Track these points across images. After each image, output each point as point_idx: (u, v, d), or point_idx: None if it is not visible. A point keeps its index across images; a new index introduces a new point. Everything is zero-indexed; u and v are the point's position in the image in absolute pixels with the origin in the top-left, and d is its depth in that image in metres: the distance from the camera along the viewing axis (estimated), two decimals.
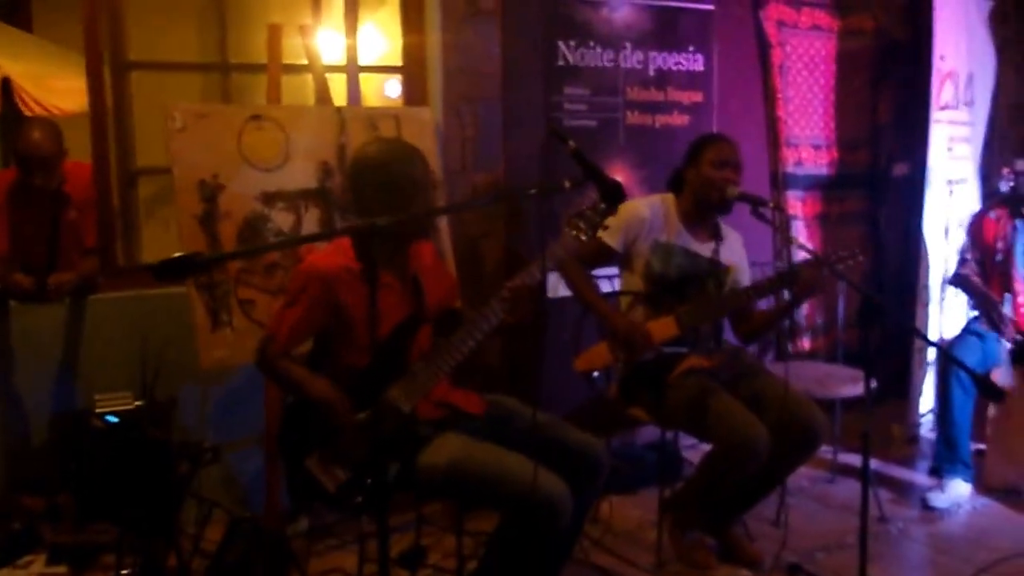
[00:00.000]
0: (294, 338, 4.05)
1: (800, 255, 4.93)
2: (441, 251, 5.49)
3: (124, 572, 4.53)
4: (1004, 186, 6.55)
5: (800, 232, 7.46)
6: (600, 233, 4.84)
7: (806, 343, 7.62)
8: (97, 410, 4.95)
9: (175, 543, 4.69)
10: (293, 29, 5.74)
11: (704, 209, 5.20)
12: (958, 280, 6.50)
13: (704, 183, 5.10)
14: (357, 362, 4.01)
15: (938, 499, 6.02)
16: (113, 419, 4.92)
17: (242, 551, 4.61)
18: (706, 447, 5.05)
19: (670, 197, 5.31)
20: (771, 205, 4.96)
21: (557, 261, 4.27)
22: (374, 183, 4.04)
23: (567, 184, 3.67)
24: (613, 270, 5.44)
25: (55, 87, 8.13)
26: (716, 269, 5.23)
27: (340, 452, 3.93)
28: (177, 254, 2.90)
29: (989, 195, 7.45)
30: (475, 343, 4.01)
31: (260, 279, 5.10)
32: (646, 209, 5.22)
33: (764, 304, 5.47)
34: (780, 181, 7.38)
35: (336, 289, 3.97)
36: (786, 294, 5.13)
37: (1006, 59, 8.07)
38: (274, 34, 5.52)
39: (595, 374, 5.19)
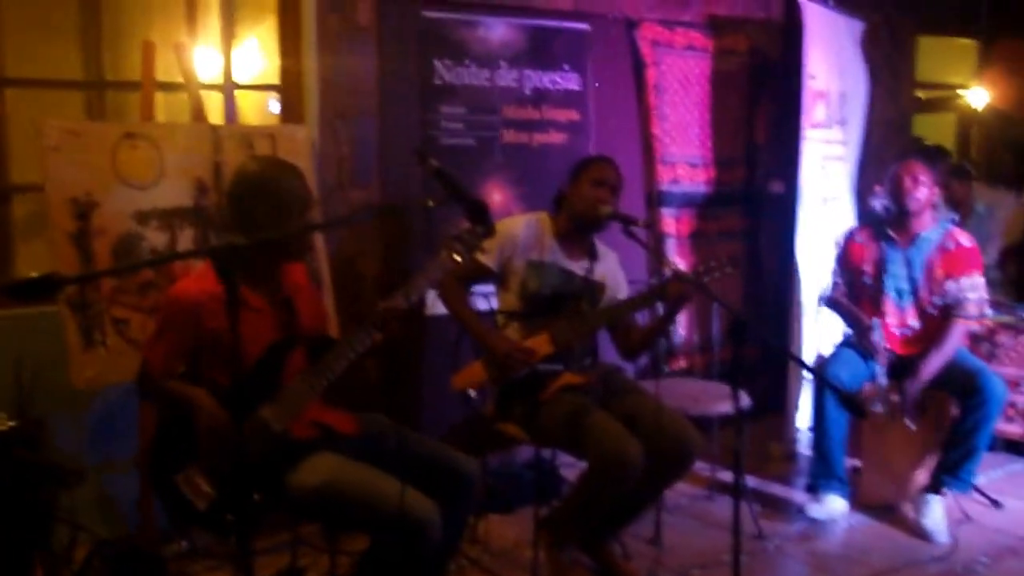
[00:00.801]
0: (168, 365, 4.00)
1: (670, 271, 4.93)
2: (317, 270, 5.48)
3: None
4: (876, 203, 6.66)
5: (674, 250, 7.48)
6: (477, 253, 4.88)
7: (682, 361, 7.63)
8: None
9: (43, 565, 4.59)
10: (169, 47, 5.66)
11: (578, 227, 5.21)
12: (830, 303, 6.53)
13: (580, 201, 5.12)
14: (228, 382, 3.95)
15: (815, 510, 6.05)
16: None
17: (108, 572, 4.54)
18: (584, 465, 5.00)
19: (545, 216, 5.32)
20: (642, 224, 4.98)
21: (434, 281, 4.22)
22: (253, 199, 3.99)
23: (430, 203, 3.74)
24: (490, 288, 5.43)
25: None
26: (590, 287, 5.23)
27: (211, 468, 3.86)
28: (33, 274, 2.83)
29: (863, 213, 7.53)
30: (347, 363, 3.96)
31: (134, 298, 5.02)
32: (521, 227, 5.22)
33: (642, 321, 5.46)
34: (655, 199, 7.41)
35: (201, 316, 3.91)
36: (660, 308, 5.14)
37: (878, 79, 8.18)
38: (148, 51, 5.42)
39: (472, 393, 5.18)
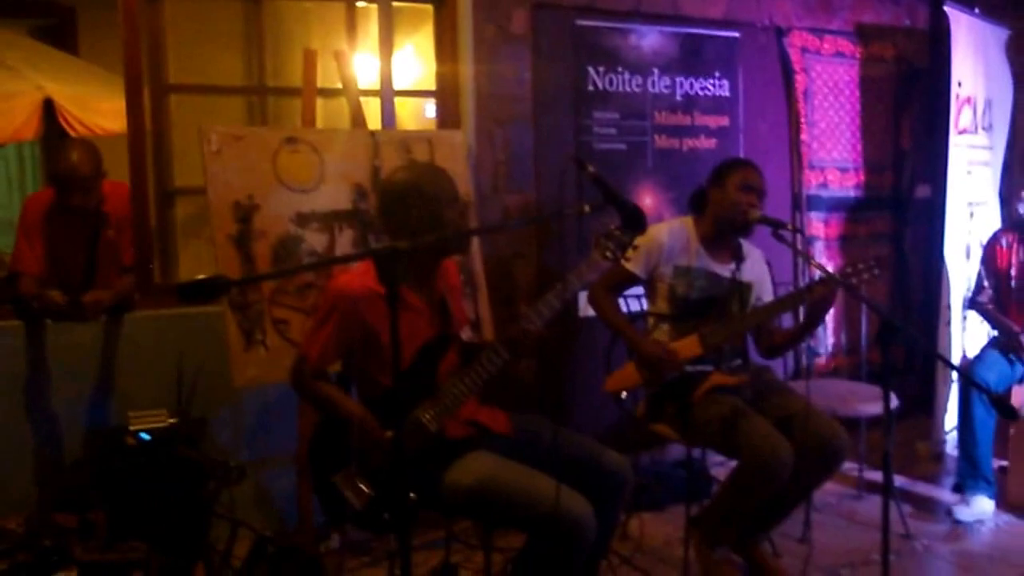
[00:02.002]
0: (325, 358, 3.95)
1: (817, 274, 4.79)
2: (473, 273, 5.45)
3: None
4: (1022, 208, 6.50)
5: (822, 253, 7.41)
6: (624, 261, 4.75)
7: (828, 362, 7.53)
8: (131, 427, 4.84)
9: (204, 560, 4.60)
10: (329, 54, 5.70)
11: (725, 231, 5.11)
12: (975, 306, 6.44)
13: (728, 206, 5.02)
14: (386, 382, 3.93)
15: (963, 512, 5.90)
16: (146, 436, 4.80)
17: (268, 568, 4.51)
18: (733, 464, 4.91)
19: (689, 220, 5.23)
20: (790, 227, 4.85)
21: (585, 281, 4.11)
22: (404, 205, 3.97)
23: (587, 208, 3.64)
24: (640, 289, 5.35)
25: (98, 108, 8.06)
26: (738, 288, 5.11)
27: (367, 469, 3.83)
28: (201, 276, 2.80)
29: (1008, 216, 7.32)
30: (500, 366, 3.91)
31: (293, 299, 4.99)
32: (666, 235, 5.14)
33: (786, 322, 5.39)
34: (802, 203, 7.31)
35: (363, 310, 3.87)
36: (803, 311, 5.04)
37: (1023, 85, 7.95)
38: (309, 58, 5.46)
39: (624, 395, 5.12)
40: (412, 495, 3.64)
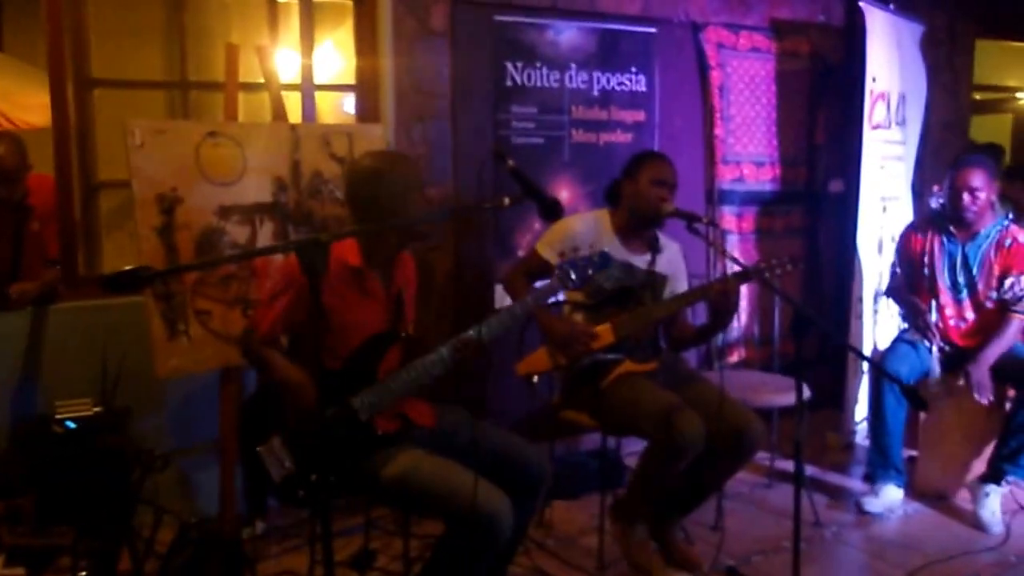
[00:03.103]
0: (274, 329, 4.02)
1: (732, 268, 4.90)
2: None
3: (80, 574, 4.47)
4: (934, 202, 6.65)
5: (736, 247, 7.50)
6: (537, 246, 4.92)
7: (739, 353, 7.64)
8: (57, 415, 4.92)
9: (130, 546, 4.65)
10: (251, 49, 5.70)
11: (639, 223, 5.19)
12: (890, 292, 6.58)
13: (641, 199, 5.10)
14: (328, 365, 3.98)
15: (872, 504, 6.04)
16: (72, 425, 4.89)
17: (192, 553, 4.57)
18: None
19: (605, 213, 5.31)
20: (705, 221, 4.95)
21: (538, 305, 4.37)
22: (370, 189, 4.04)
23: (506, 201, 3.72)
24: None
25: (22, 102, 8.05)
26: (652, 279, 5.22)
27: (291, 445, 3.90)
28: (127, 267, 2.86)
29: (921, 210, 7.49)
30: (431, 378, 4.03)
31: (216, 290, 5.05)
32: (580, 224, 5.21)
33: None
34: (715, 197, 7.41)
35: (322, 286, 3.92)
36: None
37: (937, 81, 8.16)
38: (231, 53, 5.46)
39: (535, 379, 5.21)
40: (327, 477, 3.79)
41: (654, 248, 5.25)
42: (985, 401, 5.89)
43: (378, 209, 4.02)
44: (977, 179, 5.92)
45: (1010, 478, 5.96)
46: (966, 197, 5.94)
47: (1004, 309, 6.01)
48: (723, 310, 4.91)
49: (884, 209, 7.33)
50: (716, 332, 5.25)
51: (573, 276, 4.17)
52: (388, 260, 4.20)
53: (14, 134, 6.34)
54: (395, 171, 4.08)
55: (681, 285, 5.38)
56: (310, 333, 3.97)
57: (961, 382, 6.00)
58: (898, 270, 6.45)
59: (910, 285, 6.34)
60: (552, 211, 3.81)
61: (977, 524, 5.84)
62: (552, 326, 5.05)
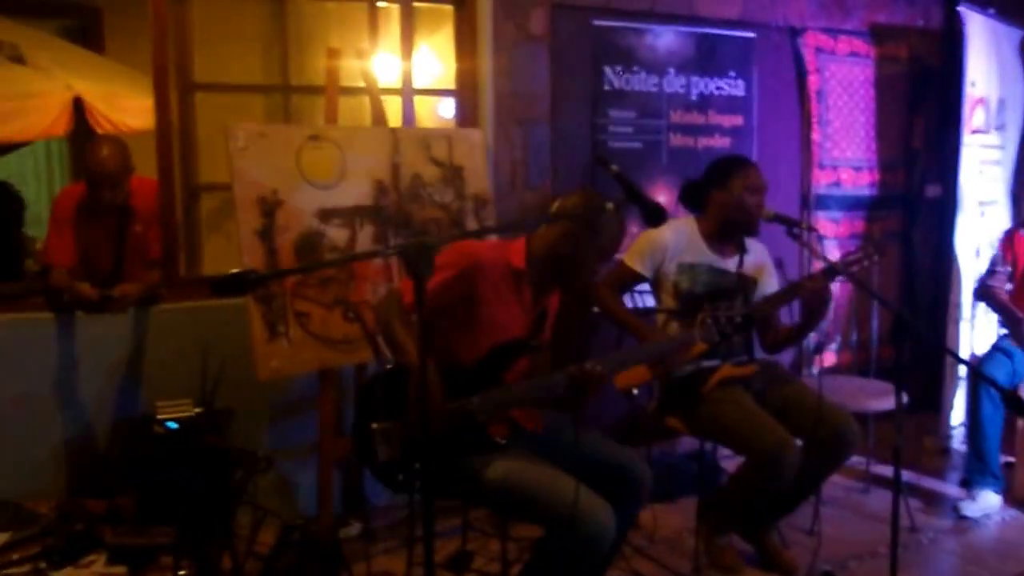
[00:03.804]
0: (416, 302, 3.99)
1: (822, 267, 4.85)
2: None
3: (181, 573, 4.49)
4: None
5: (832, 252, 7.32)
6: (625, 258, 5.00)
7: (837, 357, 7.60)
8: (158, 416, 4.96)
9: (230, 547, 4.68)
10: (351, 53, 5.75)
11: (732, 230, 5.17)
12: (983, 290, 6.48)
13: (736, 208, 5.08)
14: (461, 357, 3.99)
15: (969, 508, 5.97)
16: (173, 425, 4.93)
17: (294, 555, 4.57)
18: (742, 457, 4.99)
19: (691, 220, 5.28)
20: (804, 226, 4.95)
21: (664, 354, 4.50)
22: (581, 234, 4.02)
23: (610, 206, 3.71)
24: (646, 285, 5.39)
25: (125, 106, 8.14)
26: (743, 282, 5.19)
27: (405, 430, 3.89)
28: (234, 270, 2.87)
29: (1019, 216, 7.37)
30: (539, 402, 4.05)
31: (315, 292, 5.08)
32: (669, 234, 5.16)
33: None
34: (811, 202, 7.38)
35: (481, 277, 3.95)
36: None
37: None
38: (332, 57, 5.53)
39: (635, 391, 5.20)
40: (429, 468, 3.76)
41: (741, 250, 5.22)
42: None
43: (575, 252, 4.03)
44: None
45: None
46: None
47: None
48: (816, 307, 4.88)
49: (982, 214, 7.23)
50: (810, 330, 5.17)
51: (715, 330, 4.23)
52: (547, 285, 4.18)
53: (117, 137, 6.40)
54: (612, 231, 4.06)
55: (771, 283, 5.35)
56: (458, 321, 4.00)
57: None
58: (998, 269, 6.37)
59: (1011, 288, 6.27)
60: (656, 216, 3.74)
61: None
62: (649, 340, 4.96)
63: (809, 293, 4.82)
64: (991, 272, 6.41)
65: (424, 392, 3.49)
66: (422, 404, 3.19)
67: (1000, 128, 7.49)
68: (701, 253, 5.14)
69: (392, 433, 3.89)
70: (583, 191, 4.10)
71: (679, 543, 5.54)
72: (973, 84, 7.01)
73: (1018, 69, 7.76)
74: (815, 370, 7.17)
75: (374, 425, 3.91)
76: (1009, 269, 6.31)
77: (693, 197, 5.29)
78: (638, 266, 5.11)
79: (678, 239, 5.15)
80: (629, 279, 5.18)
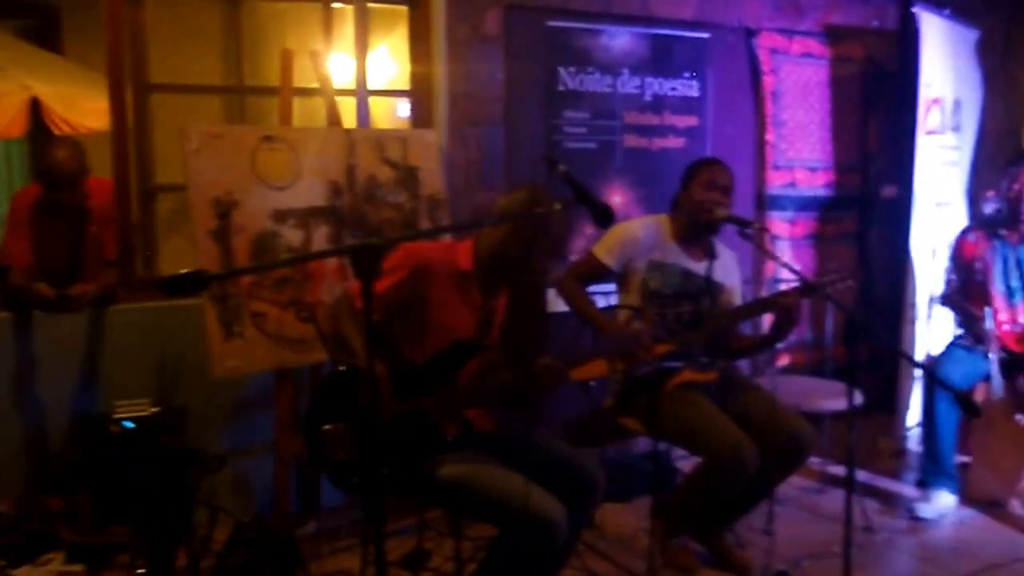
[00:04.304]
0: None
1: (784, 274, 4.90)
2: None
3: (138, 572, 4.54)
4: (988, 207, 6.55)
5: (786, 252, 7.48)
6: (594, 250, 4.92)
7: (791, 357, 7.62)
8: (115, 415, 5.01)
9: (186, 545, 4.71)
10: (306, 54, 5.77)
11: (695, 229, 5.18)
12: (945, 300, 6.52)
13: (694, 204, 5.10)
14: (413, 358, 4.04)
15: (924, 509, 6.02)
16: (130, 424, 4.98)
17: (247, 552, 4.61)
18: (698, 458, 5.02)
19: (665, 218, 5.30)
20: (756, 227, 4.98)
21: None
22: (528, 234, 4.09)
23: (557, 205, 3.75)
24: (609, 286, 5.43)
25: (82, 107, 8.15)
26: (710, 286, 5.20)
27: (358, 433, 3.93)
28: (185, 270, 2.91)
29: (975, 216, 7.44)
30: (502, 398, 4.09)
31: (270, 292, 5.12)
32: (640, 229, 5.21)
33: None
34: (764, 202, 7.43)
35: (430, 278, 4.01)
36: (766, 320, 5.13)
37: (992, 86, 8.07)
38: (287, 59, 5.55)
39: (591, 384, 5.25)
40: (383, 469, 3.85)
41: (711, 255, 5.24)
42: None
43: (520, 251, 4.10)
44: None
45: None
46: None
47: None
48: (786, 323, 4.92)
49: (939, 214, 7.27)
50: (775, 343, 5.24)
51: (664, 329, 4.34)
52: (494, 285, 4.25)
53: (73, 138, 6.47)
54: (559, 230, 4.13)
55: (737, 293, 5.40)
56: (407, 321, 4.06)
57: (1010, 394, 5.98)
58: (952, 276, 6.41)
59: (964, 291, 6.32)
60: (604, 216, 3.76)
61: None
62: (613, 334, 4.95)
63: (782, 309, 4.88)
64: (947, 282, 6.47)
65: (373, 393, 3.59)
66: (372, 405, 3.27)
67: (956, 129, 7.54)
68: (672, 252, 5.17)
69: (343, 434, 3.94)
70: (528, 188, 4.16)
71: (633, 543, 5.57)
72: (928, 85, 7.04)
73: (973, 70, 7.82)
74: (769, 370, 7.22)
75: (326, 427, 3.95)
76: (962, 276, 6.35)
77: (673, 202, 5.32)
78: (607, 259, 5.14)
79: (648, 235, 5.19)
80: (597, 271, 5.20)
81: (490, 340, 4.29)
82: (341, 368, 4.09)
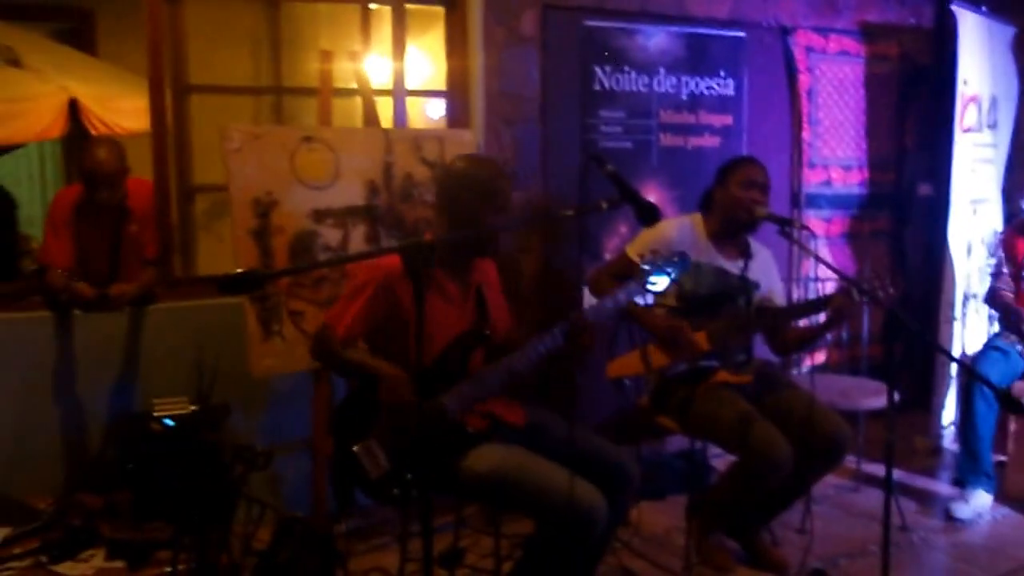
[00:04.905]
0: (352, 330, 4.04)
1: (821, 272, 4.89)
2: None
3: (179, 568, 4.55)
4: None
5: (821, 250, 7.43)
6: (628, 249, 4.94)
7: (826, 355, 7.60)
8: (155, 413, 5.04)
9: (227, 542, 4.73)
10: (343, 55, 5.83)
11: (732, 228, 5.20)
12: (992, 297, 6.47)
13: (732, 203, 5.11)
14: (415, 365, 3.98)
15: (961, 509, 6.00)
16: (170, 422, 5.00)
17: (292, 550, 4.62)
18: (732, 456, 5.04)
19: (698, 217, 5.31)
20: (797, 225, 5.00)
21: (629, 298, 4.33)
22: (456, 193, 4.13)
23: (604, 204, 3.72)
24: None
25: (119, 108, 8.18)
26: (746, 286, 5.21)
27: (386, 444, 3.95)
28: (239, 270, 2.95)
29: (1011, 214, 7.43)
30: (531, 365, 4.06)
31: (309, 292, 5.16)
32: (674, 230, 5.20)
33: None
34: (801, 201, 7.42)
35: (398, 289, 3.99)
36: (821, 317, 5.09)
37: None
38: (325, 59, 5.61)
39: (626, 382, 5.25)
40: (421, 474, 3.84)
41: (746, 254, 5.26)
42: None
43: (459, 212, 4.11)
44: None
45: None
46: None
47: None
48: (843, 320, 5.02)
49: (974, 212, 7.26)
50: (827, 333, 5.27)
51: (654, 278, 4.23)
52: (462, 264, 4.25)
53: (113, 139, 6.49)
54: (490, 180, 4.16)
55: (776, 291, 5.39)
56: (395, 335, 4.06)
57: None
58: (1004, 271, 6.39)
59: (1014, 289, 6.30)
60: (650, 214, 3.79)
61: None
62: (657, 325, 5.05)
63: (839, 310, 4.88)
64: (996, 275, 6.43)
65: (399, 396, 3.66)
66: (395, 409, 3.30)
67: (992, 126, 7.51)
68: (706, 252, 5.17)
69: (373, 450, 3.97)
70: (462, 161, 4.29)
71: (669, 541, 5.59)
72: (965, 82, 7.02)
73: (1010, 67, 7.78)
74: (805, 368, 7.23)
75: (355, 448, 3.98)
76: (1013, 271, 6.33)
77: (704, 200, 5.34)
78: (640, 259, 4.99)
79: (683, 236, 5.16)
80: (627, 271, 5.00)
81: (489, 327, 4.28)
82: (354, 389, 4.17)
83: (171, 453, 4.91)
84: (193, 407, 5.11)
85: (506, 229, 5.25)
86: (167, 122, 5.73)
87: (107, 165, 5.53)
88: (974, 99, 7.19)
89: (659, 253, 4.46)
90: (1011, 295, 6.28)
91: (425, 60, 7.32)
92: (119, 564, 4.64)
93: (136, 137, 6.95)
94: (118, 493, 5.03)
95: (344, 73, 5.84)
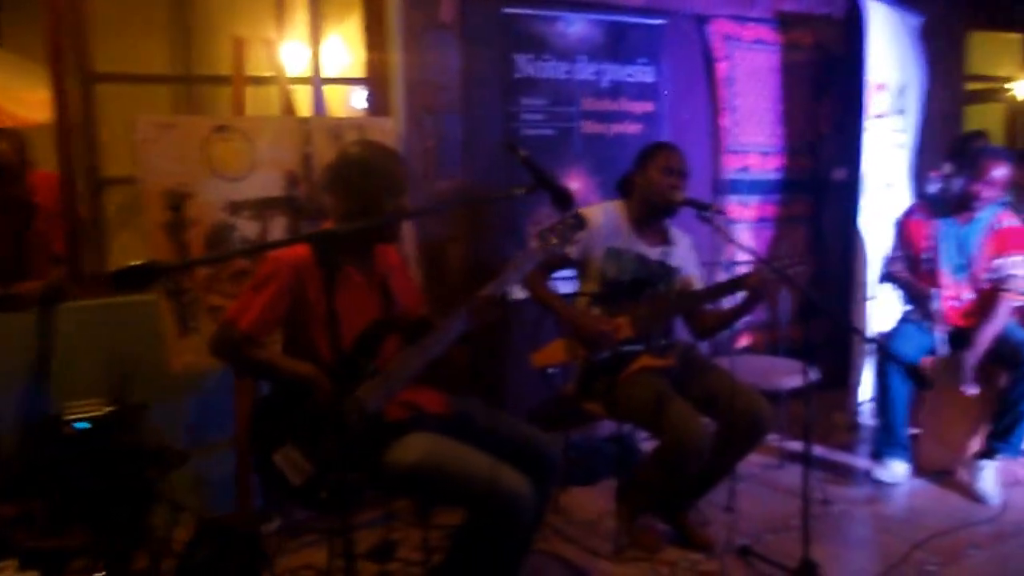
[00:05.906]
0: (257, 325, 3.87)
1: (741, 256, 4.87)
2: (406, 256, 5.43)
3: (96, 575, 4.41)
4: (932, 188, 6.67)
5: (743, 235, 7.55)
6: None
7: (746, 339, 7.70)
8: (67, 416, 4.81)
9: (146, 545, 4.62)
10: (258, 42, 5.67)
11: (652, 213, 5.25)
12: (888, 278, 6.57)
13: (651, 188, 5.15)
14: (326, 357, 3.90)
15: (880, 473, 6.22)
16: (84, 425, 4.78)
17: (210, 550, 4.51)
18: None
19: (620, 203, 5.35)
20: (714, 209, 4.95)
21: (525, 271, 4.17)
22: (356, 178, 4.01)
23: (519, 191, 3.73)
24: (572, 272, 5.41)
25: (23, 98, 7.95)
26: (666, 272, 5.27)
27: (307, 447, 3.81)
28: (134, 263, 2.71)
29: (920, 196, 7.46)
30: (443, 347, 3.94)
31: (228, 286, 4.99)
32: (600, 216, 5.24)
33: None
34: (721, 186, 7.45)
35: (304, 280, 3.87)
36: (737, 297, 5.12)
37: (935, 71, 8.16)
38: (238, 46, 5.45)
39: (551, 370, 5.26)
40: (346, 474, 3.70)
41: (667, 240, 5.31)
42: (969, 393, 6.01)
43: (358, 199, 3.99)
44: (1004, 169, 6.04)
45: (1000, 456, 6.05)
46: (993, 188, 6.05)
47: (997, 291, 6.10)
48: (760, 299, 4.97)
49: (887, 195, 7.42)
50: (744, 315, 5.23)
51: (555, 239, 4.11)
52: (365, 251, 4.15)
53: (14, 130, 6.23)
54: (384, 164, 4.06)
55: (695, 276, 5.43)
56: (301, 328, 3.97)
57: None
58: (898, 254, 6.49)
59: (910, 269, 6.41)
60: (564, 200, 3.78)
61: (976, 497, 5.98)
62: (579, 322, 5.06)
63: (754, 288, 4.90)
64: (891, 260, 6.52)
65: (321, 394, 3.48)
66: (314, 410, 3.11)
67: (901, 112, 7.65)
68: (628, 239, 5.23)
69: (292, 454, 3.82)
70: (356, 147, 4.17)
71: (599, 525, 5.58)
72: (874, 70, 7.17)
73: (917, 55, 7.91)
74: (730, 352, 7.19)
75: (275, 456, 3.83)
76: (907, 255, 6.43)
77: (624, 185, 5.36)
78: (567, 248, 5.02)
79: (608, 222, 5.24)
80: (557, 261, 5.20)
81: (397, 309, 4.21)
82: (267, 393, 4.03)
83: (85, 456, 4.70)
84: (108, 408, 4.88)
85: (412, 217, 5.23)
86: (71, 113, 5.49)
87: (7, 158, 5.41)
88: (883, 86, 7.33)
89: (586, 242, 4.62)
90: (907, 275, 6.41)
91: (345, 48, 7.14)
92: (33, 574, 4.45)
93: (44, 129, 6.68)
94: (32, 500, 4.78)
95: (259, 61, 5.66)
